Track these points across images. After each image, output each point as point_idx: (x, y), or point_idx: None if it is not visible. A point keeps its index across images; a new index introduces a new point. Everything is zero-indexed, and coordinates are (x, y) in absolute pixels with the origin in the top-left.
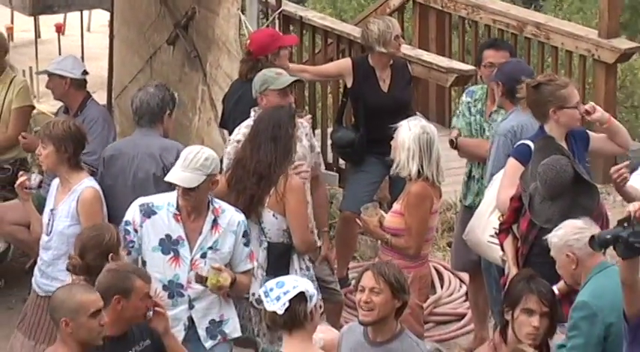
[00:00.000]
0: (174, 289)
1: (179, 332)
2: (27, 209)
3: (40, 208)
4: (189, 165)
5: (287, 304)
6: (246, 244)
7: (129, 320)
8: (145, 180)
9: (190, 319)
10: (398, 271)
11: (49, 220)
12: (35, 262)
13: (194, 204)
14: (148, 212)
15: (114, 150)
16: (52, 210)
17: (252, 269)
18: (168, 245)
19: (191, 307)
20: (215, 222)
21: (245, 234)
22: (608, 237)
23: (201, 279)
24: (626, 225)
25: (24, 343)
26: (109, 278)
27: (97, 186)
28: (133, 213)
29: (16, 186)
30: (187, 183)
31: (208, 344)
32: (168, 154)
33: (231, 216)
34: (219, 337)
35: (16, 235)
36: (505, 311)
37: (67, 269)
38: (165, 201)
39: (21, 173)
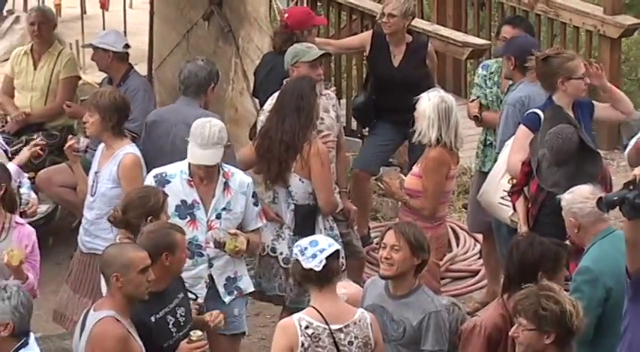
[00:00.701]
0: (194, 250)
1: (201, 290)
2: (75, 170)
3: (86, 171)
4: (207, 143)
5: (324, 261)
6: (256, 204)
7: (174, 273)
8: (181, 147)
9: (210, 277)
10: (419, 231)
11: (94, 182)
12: (80, 221)
13: (208, 173)
14: (162, 181)
15: (156, 116)
16: (96, 173)
17: (262, 227)
18: (184, 210)
19: (210, 265)
20: (226, 185)
21: (254, 195)
22: (615, 198)
23: (219, 245)
24: (631, 187)
25: (70, 296)
26: (155, 238)
27: (138, 153)
28: (150, 183)
29: (65, 148)
30: (212, 161)
31: (227, 299)
32: None
33: (240, 178)
34: (235, 292)
35: (63, 196)
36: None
37: (109, 220)
38: (178, 169)
39: (70, 137)
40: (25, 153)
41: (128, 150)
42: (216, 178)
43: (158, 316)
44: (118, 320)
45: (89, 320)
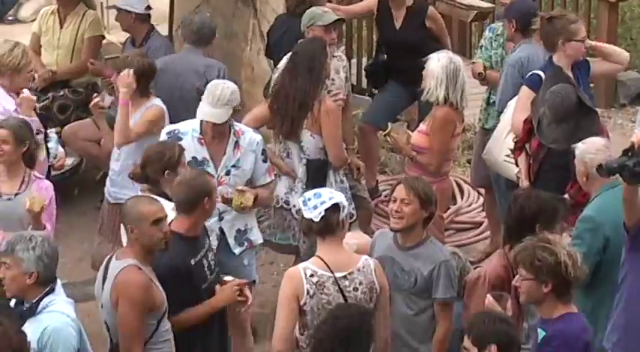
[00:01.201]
0: None
1: (213, 241)
2: (100, 126)
3: (110, 126)
4: (217, 102)
5: (322, 213)
6: (265, 160)
7: (208, 217)
8: (189, 93)
9: (221, 230)
10: (427, 185)
11: None
12: (104, 174)
13: (219, 131)
14: (175, 138)
15: (163, 63)
16: None
17: (272, 182)
18: (194, 166)
19: (220, 219)
20: (237, 143)
21: (263, 152)
22: (615, 166)
23: (226, 201)
24: (630, 154)
25: (104, 245)
26: (197, 185)
27: (163, 106)
28: (164, 138)
29: (91, 105)
30: (219, 119)
31: (237, 250)
32: (212, 71)
33: (250, 136)
34: (246, 244)
35: (87, 150)
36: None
37: (129, 176)
38: (190, 128)
39: (95, 95)
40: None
41: (155, 102)
42: (227, 137)
43: (197, 259)
44: (140, 269)
45: (112, 268)
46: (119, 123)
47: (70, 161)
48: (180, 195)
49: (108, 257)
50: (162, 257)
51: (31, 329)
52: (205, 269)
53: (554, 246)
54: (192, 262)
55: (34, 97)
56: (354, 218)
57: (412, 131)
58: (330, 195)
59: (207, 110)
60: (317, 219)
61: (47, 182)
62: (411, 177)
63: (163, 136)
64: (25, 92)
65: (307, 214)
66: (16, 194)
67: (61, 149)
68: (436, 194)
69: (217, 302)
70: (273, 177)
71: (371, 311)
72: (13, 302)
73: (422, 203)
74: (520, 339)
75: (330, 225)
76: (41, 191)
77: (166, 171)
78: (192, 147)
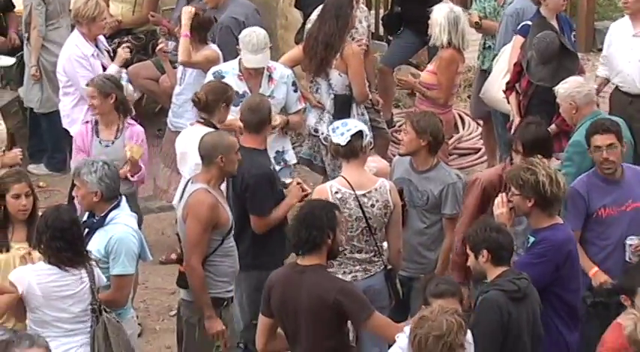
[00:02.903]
0: None
1: None
2: (165, 66)
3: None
4: (257, 49)
5: (349, 138)
6: (295, 90)
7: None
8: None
9: None
10: (423, 120)
11: (182, 75)
12: (161, 108)
13: (256, 69)
14: (219, 77)
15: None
16: (184, 67)
17: (303, 109)
18: (237, 99)
19: None
20: (270, 77)
21: (294, 83)
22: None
23: None
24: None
25: (160, 169)
26: (264, 109)
27: (218, 51)
28: (210, 79)
29: (157, 50)
30: (263, 63)
31: (276, 168)
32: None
33: (281, 70)
34: (282, 163)
35: (148, 87)
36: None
37: (192, 100)
38: (230, 67)
39: (161, 40)
40: (120, 55)
41: (212, 47)
42: (261, 72)
43: (272, 166)
44: (209, 192)
45: (187, 190)
46: (183, 47)
47: (135, 95)
48: (253, 116)
49: (186, 180)
50: (249, 169)
51: (100, 238)
52: (277, 176)
53: (536, 167)
54: (272, 168)
55: (127, 51)
56: (372, 145)
57: (422, 71)
58: (356, 124)
59: (251, 58)
60: (344, 144)
61: (139, 127)
62: (415, 112)
63: (209, 76)
64: (101, 38)
65: (336, 139)
66: (113, 141)
67: (130, 86)
68: (443, 123)
69: (292, 199)
70: (303, 105)
71: (336, 206)
72: (86, 216)
73: (417, 133)
74: (512, 245)
75: (354, 150)
76: (133, 135)
77: (223, 104)
78: (233, 82)
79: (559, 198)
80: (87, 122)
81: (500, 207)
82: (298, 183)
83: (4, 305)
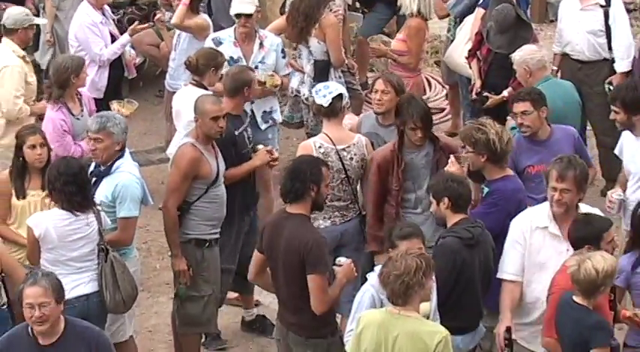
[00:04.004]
0: None
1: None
2: (163, 34)
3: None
4: (243, 0)
5: (330, 100)
6: (284, 57)
7: (249, 100)
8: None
9: (252, 111)
10: (399, 79)
11: (177, 41)
12: (162, 71)
13: (248, 31)
14: (217, 43)
15: None
16: (178, 35)
17: (289, 73)
18: (232, 63)
19: (252, 103)
20: (261, 45)
21: (282, 50)
22: None
23: (261, 84)
24: None
25: (164, 124)
26: (240, 77)
27: (208, 20)
28: (210, 44)
29: (155, 19)
30: (247, 10)
31: (263, 126)
32: None
33: (272, 39)
34: (270, 121)
35: (149, 52)
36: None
37: (185, 63)
38: (227, 34)
39: (158, 11)
40: (131, 28)
41: (202, 16)
42: (254, 40)
43: (239, 131)
44: (194, 146)
45: (179, 143)
46: (179, 12)
47: (138, 60)
48: (229, 83)
49: (182, 134)
50: None
51: (107, 185)
52: (246, 139)
53: (486, 127)
54: (237, 133)
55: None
56: (349, 105)
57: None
58: (337, 87)
59: (237, 5)
60: (326, 105)
61: (85, 91)
62: (387, 72)
63: (209, 42)
64: (107, 8)
65: (319, 100)
66: (82, 113)
67: (133, 51)
68: (413, 86)
69: (255, 161)
70: (291, 70)
71: (324, 162)
72: (92, 166)
73: (396, 92)
74: (470, 196)
75: (335, 110)
76: (86, 100)
77: (213, 68)
78: (229, 49)
79: (507, 152)
80: (59, 108)
81: (451, 166)
82: (268, 151)
83: (29, 252)
